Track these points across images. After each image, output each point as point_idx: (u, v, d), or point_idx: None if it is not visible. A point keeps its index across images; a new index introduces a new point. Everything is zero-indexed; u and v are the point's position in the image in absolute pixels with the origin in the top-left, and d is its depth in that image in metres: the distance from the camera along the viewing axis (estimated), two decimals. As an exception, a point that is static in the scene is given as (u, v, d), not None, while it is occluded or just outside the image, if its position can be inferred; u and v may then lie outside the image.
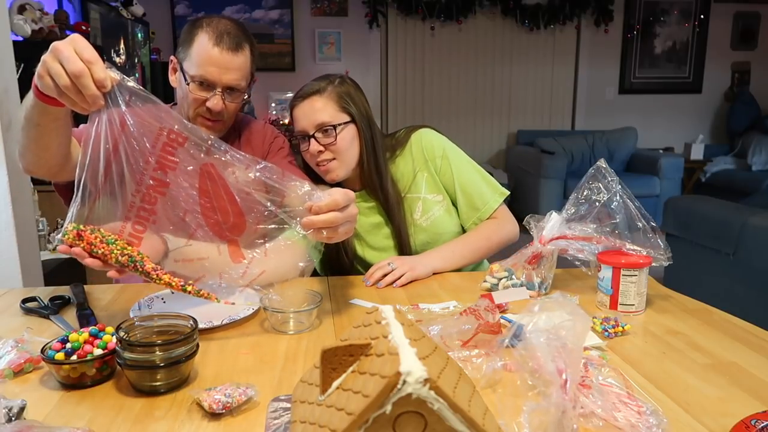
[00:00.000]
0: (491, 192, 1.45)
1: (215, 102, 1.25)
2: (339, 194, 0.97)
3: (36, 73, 0.87)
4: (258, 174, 0.95)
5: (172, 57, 1.31)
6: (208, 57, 1.22)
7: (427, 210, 1.43)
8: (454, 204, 1.47)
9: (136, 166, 0.94)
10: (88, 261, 0.92)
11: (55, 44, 0.85)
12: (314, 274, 1.43)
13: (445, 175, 1.45)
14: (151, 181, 0.95)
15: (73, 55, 0.83)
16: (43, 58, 0.86)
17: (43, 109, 0.94)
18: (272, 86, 5.19)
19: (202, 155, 0.95)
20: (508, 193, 1.49)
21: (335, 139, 1.32)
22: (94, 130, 0.90)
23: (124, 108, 0.88)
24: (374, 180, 1.39)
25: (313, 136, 1.32)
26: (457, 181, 1.44)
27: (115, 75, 0.88)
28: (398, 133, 1.49)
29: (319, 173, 1.37)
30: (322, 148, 1.32)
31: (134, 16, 4.00)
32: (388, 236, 1.44)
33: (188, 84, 1.25)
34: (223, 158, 0.95)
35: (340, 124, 1.32)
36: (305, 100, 1.33)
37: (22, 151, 1.07)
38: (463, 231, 1.48)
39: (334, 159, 1.34)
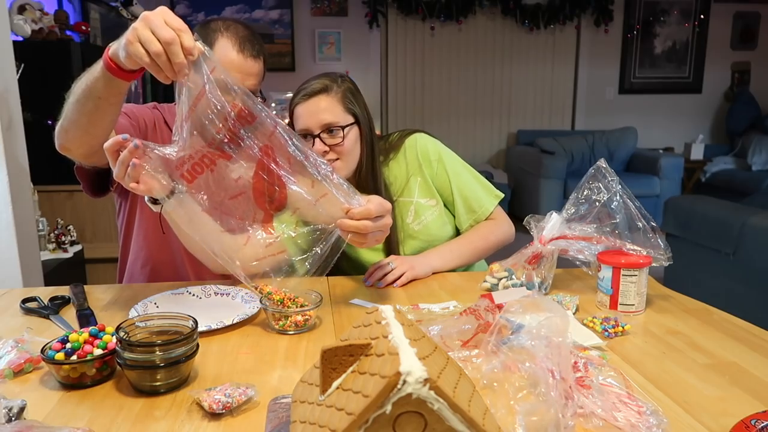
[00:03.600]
0: (486, 195, 1.46)
1: None
2: (374, 204, 1.03)
3: (124, 40, 0.88)
4: (310, 168, 1.00)
5: None
6: (230, 63, 1.21)
7: (420, 214, 1.43)
8: (447, 208, 1.47)
9: (206, 133, 0.99)
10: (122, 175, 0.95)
11: (145, 13, 0.88)
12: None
13: (441, 179, 1.44)
14: (215, 150, 1.02)
15: (163, 23, 0.86)
16: (133, 25, 0.88)
17: (110, 81, 0.96)
18: (272, 86, 5.18)
19: (266, 137, 1.00)
20: (503, 195, 1.50)
21: (342, 140, 1.31)
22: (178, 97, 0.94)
23: (205, 79, 0.92)
24: (369, 182, 1.38)
25: (318, 136, 1.30)
26: (454, 185, 1.44)
27: (201, 46, 0.91)
28: (391, 137, 1.48)
29: None
30: (327, 149, 1.30)
31: (134, 16, 4.00)
32: None
33: None
34: (284, 144, 0.99)
35: (347, 126, 1.31)
36: (310, 98, 1.30)
37: (66, 126, 1.07)
38: (457, 234, 1.48)
39: (337, 160, 1.32)
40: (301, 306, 1.03)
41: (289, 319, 1.00)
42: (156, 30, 0.86)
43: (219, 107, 0.95)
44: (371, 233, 1.04)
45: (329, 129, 1.30)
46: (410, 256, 1.35)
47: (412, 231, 1.43)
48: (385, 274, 1.26)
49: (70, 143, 1.10)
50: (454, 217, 1.47)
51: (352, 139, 1.33)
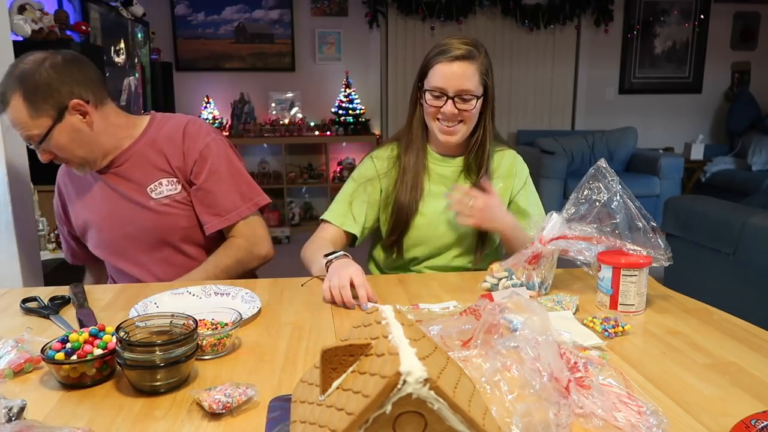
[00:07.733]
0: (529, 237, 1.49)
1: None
2: None
3: None
4: None
5: None
6: None
7: None
8: None
9: None
10: None
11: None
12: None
13: (517, 198, 1.51)
14: None
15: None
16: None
17: None
18: (272, 86, 5.18)
19: None
20: None
21: (473, 108, 1.37)
22: None
23: None
24: (477, 151, 1.45)
25: (453, 98, 1.36)
26: (526, 209, 1.49)
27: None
28: (499, 136, 1.54)
29: (438, 129, 1.41)
30: (456, 112, 1.37)
31: (134, 16, 4.00)
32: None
33: None
34: None
35: (479, 96, 1.38)
36: (457, 61, 1.35)
37: None
38: None
39: (461, 122, 1.39)
40: (215, 328, 0.93)
41: (204, 342, 0.89)
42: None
43: None
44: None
45: (463, 95, 1.35)
46: (491, 209, 1.37)
47: None
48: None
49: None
50: None
51: (478, 108, 1.40)
